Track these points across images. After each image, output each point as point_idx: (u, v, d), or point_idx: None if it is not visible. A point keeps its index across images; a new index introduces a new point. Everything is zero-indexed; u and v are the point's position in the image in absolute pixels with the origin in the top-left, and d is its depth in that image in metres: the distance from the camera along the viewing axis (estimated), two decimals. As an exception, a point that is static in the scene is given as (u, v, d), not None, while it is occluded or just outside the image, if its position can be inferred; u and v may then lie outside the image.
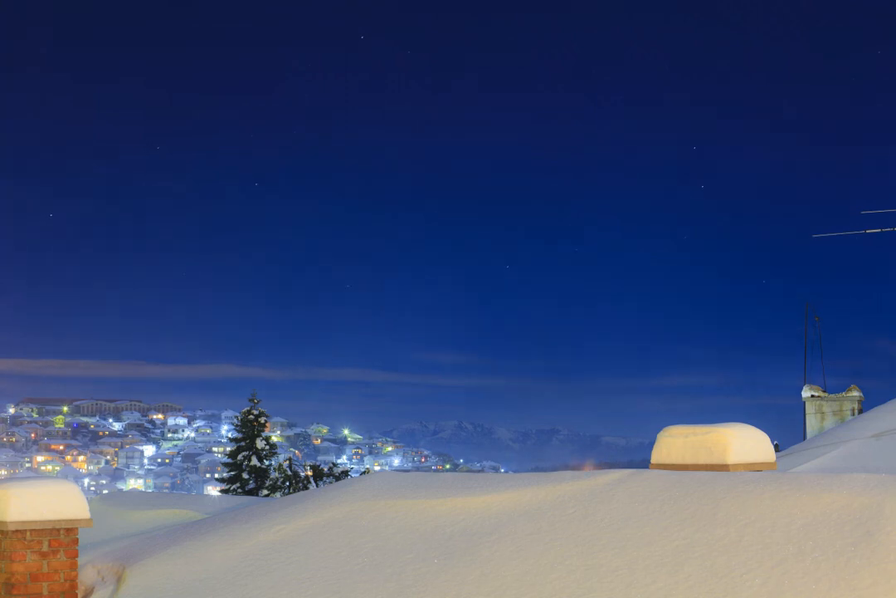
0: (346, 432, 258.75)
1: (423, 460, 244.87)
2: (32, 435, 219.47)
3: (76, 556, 7.78)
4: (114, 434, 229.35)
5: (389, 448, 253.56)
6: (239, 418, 33.11)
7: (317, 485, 30.72)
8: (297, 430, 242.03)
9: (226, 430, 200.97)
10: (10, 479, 8.23)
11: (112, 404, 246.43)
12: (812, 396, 17.42)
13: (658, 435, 8.44)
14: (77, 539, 7.80)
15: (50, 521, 7.65)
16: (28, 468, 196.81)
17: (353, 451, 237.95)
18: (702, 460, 7.99)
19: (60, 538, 7.71)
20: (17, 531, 7.56)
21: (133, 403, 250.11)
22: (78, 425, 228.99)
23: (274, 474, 31.76)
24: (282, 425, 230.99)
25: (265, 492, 31.11)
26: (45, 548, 7.65)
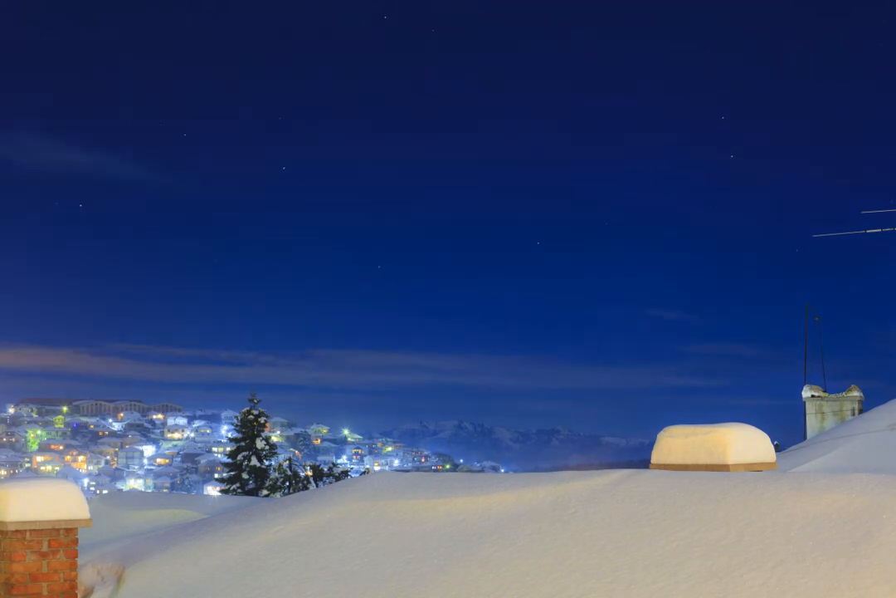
0: (346, 432, 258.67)
1: (423, 460, 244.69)
2: (32, 435, 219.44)
3: (76, 556, 7.78)
4: (114, 434, 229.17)
5: (389, 448, 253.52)
6: (239, 418, 33.11)
7: (317, 485, 30.73)
8: (297, 430, 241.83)
9: (226, 430, 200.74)
10: (10, 479, 8.23)
11: (112, 404, 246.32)
12: (812, 396, 17.41)
13: (658, 435, 8.44)
14: (77, 539, 7.80)
15: (50, 521, 7.64)
16: (28, 468, 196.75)
17: (353, 451, 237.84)
18: (702, 460, 8.00)
19: (60, 538, 7.70)
20: (16, 531, 7.56)
21: (133, 403, 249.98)
22: (78, 425, 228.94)
23: (274, 475, 31.76)
24: (282, 425, 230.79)
25: (265, 492, 31.10)
26: (44, 548, 7.64)
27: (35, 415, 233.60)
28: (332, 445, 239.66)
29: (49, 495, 7.71)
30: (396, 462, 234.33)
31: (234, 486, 31.87)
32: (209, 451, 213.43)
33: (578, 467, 9.38)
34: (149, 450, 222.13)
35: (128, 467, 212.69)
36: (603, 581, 6.01)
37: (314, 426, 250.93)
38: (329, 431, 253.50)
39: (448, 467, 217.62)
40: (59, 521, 7.67)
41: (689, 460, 8.07)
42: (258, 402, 32.61)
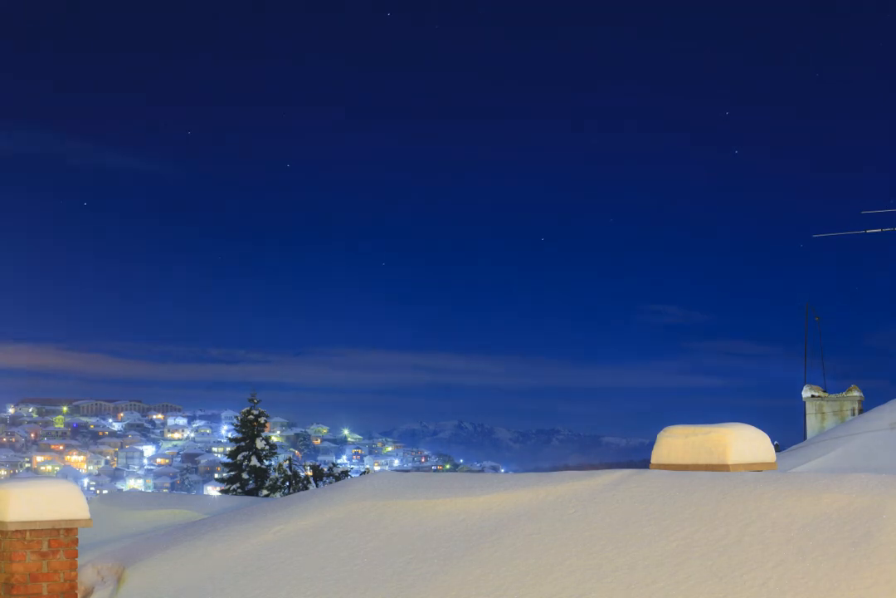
0: (346, 432, 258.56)
1: (423, 460, 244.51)
2: (32, 435, 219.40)
3: (76, 556, 7.78)
4: (113, 434, 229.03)
5: (389, 448, 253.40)
6: (239, 418, 33.11)
7: (317, 485, 30.73)
8: (297, 430, 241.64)
9: (226, 430, 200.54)
10: (10, 479, 8.23)
11: (112, 404, 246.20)
12: (812, 396, 17.41)
13: (658, 435, 8.44)
14: (77, 539, 7.80)
15: (50, 521, 7.64)
16: (28, 468, 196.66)
17: (353, 451, 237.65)
18: (702, 461, 8.00)
19: (60, 538, 7.70)
20: (16, 531, 7.55)
21: (133, 403, 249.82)
22: (78, 425, 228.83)
23: (274, 475, 31.75)
24: (282, 425, 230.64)
25: (265, 492, 31.10)
26: (44, 548, 7.64)
27: (35, 415, 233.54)
28: (332, 445, 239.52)
29: (49, 495, 7.71)
30: (396, 462, 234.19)
31: (234, 486, 31.87)
32: (209, 451, 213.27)
33: (578, 467, 9.39)
34: (149, 450, 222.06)
35: (128, 467, 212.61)
36: (603, 581, 6.01)
37: (314, 426, 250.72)
38: (329, 431, 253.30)
39: (448, 467, 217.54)
40: (59, 521, 7.67)
41: (689, 460, 8.07)
42: (258, 402, 32.61)
